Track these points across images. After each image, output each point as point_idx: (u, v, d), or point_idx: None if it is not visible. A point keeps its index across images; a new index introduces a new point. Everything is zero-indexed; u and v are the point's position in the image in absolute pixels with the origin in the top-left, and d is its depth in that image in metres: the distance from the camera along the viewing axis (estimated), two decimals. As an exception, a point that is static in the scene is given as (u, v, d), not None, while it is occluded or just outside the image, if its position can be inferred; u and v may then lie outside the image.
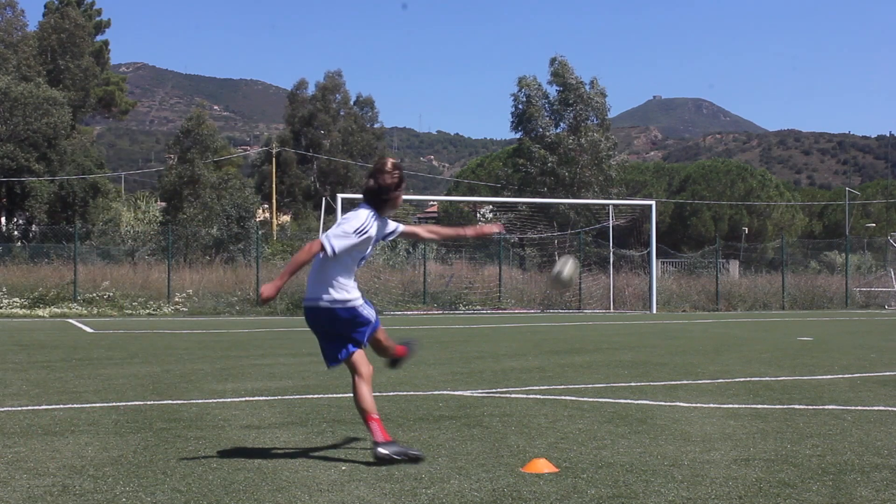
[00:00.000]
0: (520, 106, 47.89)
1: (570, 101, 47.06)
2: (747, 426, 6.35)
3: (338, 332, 5.32)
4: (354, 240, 5.18)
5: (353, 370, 5.33)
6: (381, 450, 5.05)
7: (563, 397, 7.84)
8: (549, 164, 46.57)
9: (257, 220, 43.68)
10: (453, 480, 4.67)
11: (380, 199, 5.33)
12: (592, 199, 44.08)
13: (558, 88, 47.58)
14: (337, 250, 5.14)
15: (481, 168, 66.51)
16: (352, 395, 5.35)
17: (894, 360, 11.62)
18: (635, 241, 41.24)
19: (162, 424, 6.38)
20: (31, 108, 41.44)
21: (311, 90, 65.21)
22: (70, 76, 47.49)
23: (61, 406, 7.25)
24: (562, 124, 48.01)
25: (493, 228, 5.88)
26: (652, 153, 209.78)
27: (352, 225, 5.19)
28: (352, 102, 65.11)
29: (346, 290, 5.27)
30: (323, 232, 30.45)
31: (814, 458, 5.26)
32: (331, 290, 5.24)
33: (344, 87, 64.98)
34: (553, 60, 47.76)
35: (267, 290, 5.09)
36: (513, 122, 48.73)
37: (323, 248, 5.13)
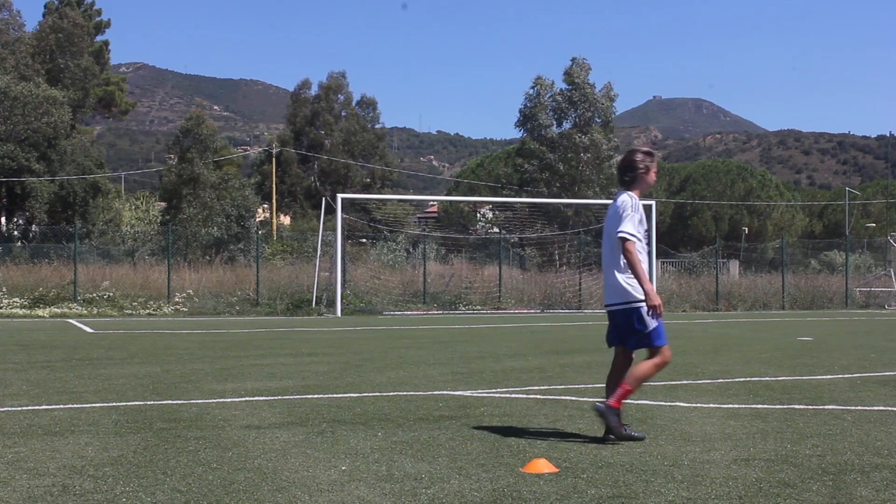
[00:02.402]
0: (529, 104, 47.93)
1: (575, 100, 47.09)
2: (747, 426, 6.35)
3: None
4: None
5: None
6: (600, 405, 5.74)
7: (563, 397, 7.84)
8: (546, 160, 46.55)
9: (257, 219, 43.68)
10: (453, 480, 4.66)
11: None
12: (592, 198, 44.10)
13: (567, 87, 47.63)
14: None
15: (481, 168, 66.49)
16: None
17: (894, 360, 11.62)
18: (635, 240, 41.15)
19: (162, 424, 6.38)
20: (31, 107, 41.41)
21: (314, 90, 65.31)
22: (69, 76, 47.45)
23: (61, 406, 7.25)
24: (565, 123, 48.05)
25: (655, 301, 5.74)
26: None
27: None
28: (354, 103, 65.11)
29: None
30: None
31: (814, 458, 5.26)
32: None
33: (347, 87, 65.04)
34: (574, 60, 47.84)
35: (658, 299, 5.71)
36: (518, 119, 48.75)
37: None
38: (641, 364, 5.84)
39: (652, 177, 6.01)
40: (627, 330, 5.86)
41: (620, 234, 5.74)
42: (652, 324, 5.77)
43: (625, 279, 5.81)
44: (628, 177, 5.97)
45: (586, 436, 5.96)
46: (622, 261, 5.81)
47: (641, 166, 5.94)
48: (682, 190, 63.40)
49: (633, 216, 5.78)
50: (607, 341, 6.14)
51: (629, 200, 5.83)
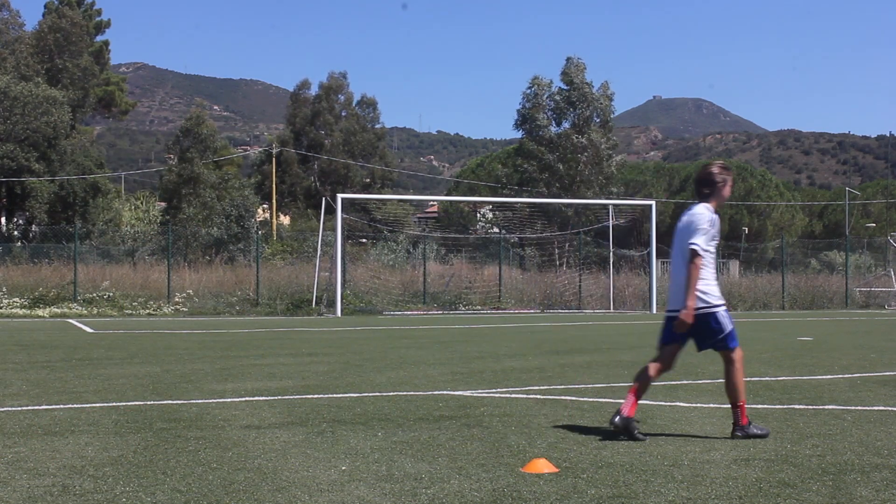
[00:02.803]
0: (527, 104, 47.88)
1: (574, 100, 47.07)
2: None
3: None
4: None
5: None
6: (744, 431, 5.84)
7: (563, 397, 7.84)
8: (545, 160, 46.53)
9: (257, 219, 43.67)
10: (453, 480, 4.66)
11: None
12: (592, 198, 44.09)
13: (565, 87, 47.60)
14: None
15: (481, 168, 66.48)
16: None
17: (894, 360, 11.62)
18: (635, 241, 41.25)
19: (162, 424, 6.38)
20: (31, 107, 41.40)
21: (313, 90, 65.31)
22: (68, 75, 47.46)
23: (61, 406, 7.25)
24: (564, 123, 48.03)
25: (688, 318, 5.92)
26: (652, 153, 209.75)
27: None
28: (354, 103, 65.09)
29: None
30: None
31: (814, 458, 5.26)
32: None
33: (347, 87, 65.02)
34: (569, 60, 47.80)
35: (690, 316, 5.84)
36: (517, 120, 48.72)
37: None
38: (732, 376, 5.96)
39: (728, 191, 6.17)
40: (704, 333, 5.98)
41: (692, 246, 5.88)
42: (728, 326, 5.96)
43: (702, 285, 5.92)
44: (707, 189, 6.10)
45: (586, 436, 5.96)
46: (704, 268, 5.95)
47: (720, 179, 6.10)
48: (682, 190, 63.36)
49: (708, 231, 5.94)
50: (661, 342, 6.19)
51: (707, 214, 5.98)
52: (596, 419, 6.61)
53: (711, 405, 7.37)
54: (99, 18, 55.30)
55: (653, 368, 6.08)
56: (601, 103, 47.28)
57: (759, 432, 5.88)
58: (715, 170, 6.13)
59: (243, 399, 7.68)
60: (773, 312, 28.66)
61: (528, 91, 48.01)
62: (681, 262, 6.02)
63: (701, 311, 5.90)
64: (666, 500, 4.29)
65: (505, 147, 78.73)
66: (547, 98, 47.92)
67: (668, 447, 5.56)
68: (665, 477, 4.75)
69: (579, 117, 47.35)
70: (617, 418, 5.80)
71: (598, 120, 47.86)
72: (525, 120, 48.19)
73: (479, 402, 7.54)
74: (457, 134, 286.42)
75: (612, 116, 49.01)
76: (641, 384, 6.04)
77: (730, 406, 6.01)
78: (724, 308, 6.00)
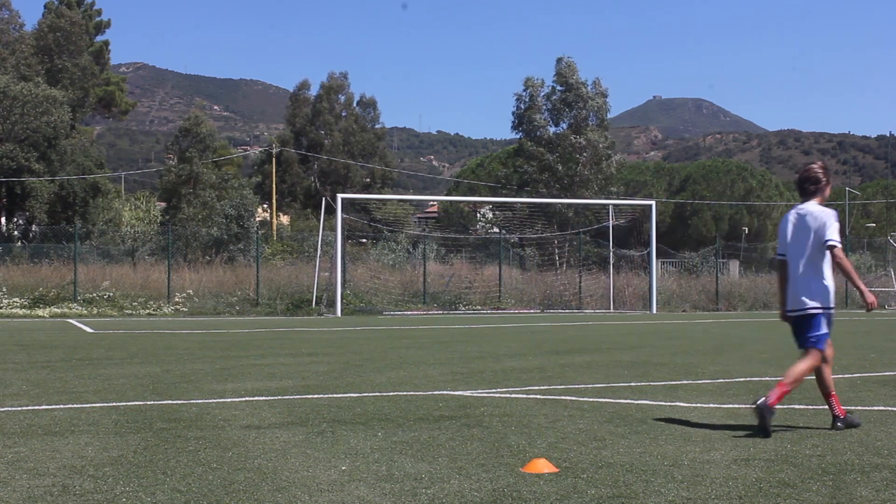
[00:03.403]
0: (522, 106, 47.84)
1: (570, 101, 47.04)
2: (747, 426, 6.35)
3: None
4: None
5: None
6: (845, 422, 6.12)
7: (563, 397, 7.84)
8: (545, 160, 46.54)
9: (257, 219, 43.66)
10: (453, 480, 4.66)
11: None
12: (591, 198, 44.08)
13: (561, 88, 47.57)
14: None
15: (481, 168, 66.45)
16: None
17: (894, 360, 11.63)
18: (635, 241, 41.21)
19: (162, 424, 6.38)
20: (31, 107, 41.37)
21: (314, 90, 65.29)
22: (68, 75, 47.43)
23: (61, 406, 7.25)
24: (562, 124, 47.99)
25: (871, 298, 6.17)
26: (652, 153, 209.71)
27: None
28: (354, 103, 65.07)
29: None
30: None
31: (814, 458, 5.27)
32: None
33: (348, 88, 65.00)
34: (559, 60, 47.74)
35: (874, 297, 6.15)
36: (514, 122, 48.71)
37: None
38: (798, 365, 6.15)
39: (829, 189, 6.44)
40: (807, 329, 6.17)
41: (831, 242, 6.10)
42: (824, 329, 6.16)
43: (827, 284, 6.15)
44: (813, 187, 6.37)
45: (586, 436, 5.96)
46: (825, 267, 6.15)
47: (824, 178, 6.39)
48: (682, 190, 63.36)
49: (836, 226, 6.18)
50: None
51: (830, 211, 6.26)
52: (596, 419, 6.61)
53: (711, 405, 7.37)
54: (99, 18, 55.26)
55: (824, 368, 6.29)
56: (596, 102, 47.19)
57: (857, 422, 6.20)
58: (820, 169, 6.41)
59: (243, 399, 7.69)
60: (773, 312, 28.66)
61: (523, 93, 47.96)
62: (802, 260, 6.19)
63: (820, 310, 6.11)
64: (666, 500, 4.29)
65: (505, 147, 78.68)
66: (543, 98, 47.87)
67: (668, 447, 5.56)
68: (665, 477, 4.75)
69: (576, 118, 47.29)
70: (839, 423, 6.13)
71: (594, 120, 47.77)
72: (521, 121, 48.15)
73: (479, 402, 7.54)
74: (457, 134, 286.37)
75: (607, 114, 48.90)
76: (826, 384, 6.28)
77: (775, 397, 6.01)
78: (831, 311, 6.18)
